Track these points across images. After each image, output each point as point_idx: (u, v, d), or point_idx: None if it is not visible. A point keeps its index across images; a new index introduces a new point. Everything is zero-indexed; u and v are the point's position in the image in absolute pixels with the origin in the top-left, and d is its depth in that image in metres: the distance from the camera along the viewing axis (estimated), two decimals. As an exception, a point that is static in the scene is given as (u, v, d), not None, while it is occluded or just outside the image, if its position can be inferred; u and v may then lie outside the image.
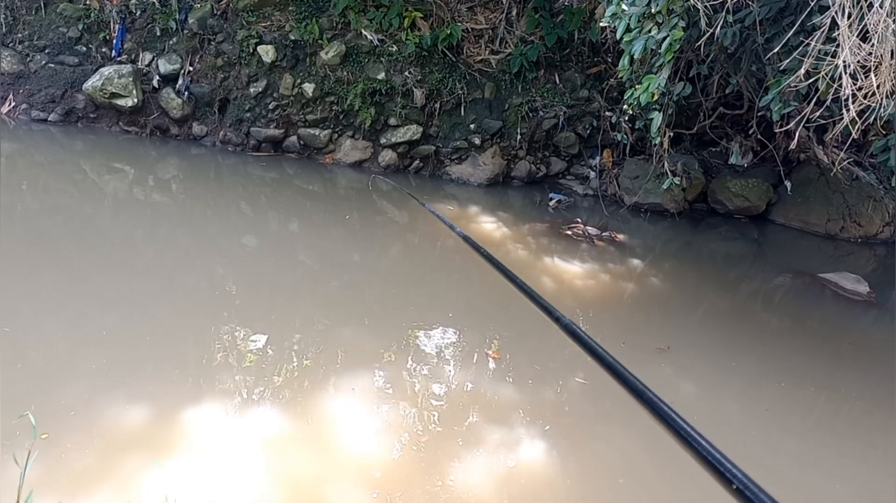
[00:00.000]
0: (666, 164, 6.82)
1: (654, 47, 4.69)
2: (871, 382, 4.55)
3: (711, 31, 4.57)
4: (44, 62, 8.89)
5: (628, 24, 4.71)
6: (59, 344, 3.77)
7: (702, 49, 5.11)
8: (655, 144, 6.51)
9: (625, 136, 7.45)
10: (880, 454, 3.70)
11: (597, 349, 1.37)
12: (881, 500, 3.31)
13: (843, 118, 3.98)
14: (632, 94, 5.42)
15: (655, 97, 5.26)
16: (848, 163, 7.17)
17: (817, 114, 4.25)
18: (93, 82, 8.57)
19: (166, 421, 3.17)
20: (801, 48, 4.02)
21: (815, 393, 4.37)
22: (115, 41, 8.79)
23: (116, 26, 8.77)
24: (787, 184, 7.86)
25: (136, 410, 3.22)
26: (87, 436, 2.98)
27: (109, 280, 4.73)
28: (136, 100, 8.58)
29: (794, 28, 4.15)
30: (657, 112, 5.47)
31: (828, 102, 4.09)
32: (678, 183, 6.71)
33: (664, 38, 4.62)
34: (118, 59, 8.81)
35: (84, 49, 8.90)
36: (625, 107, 6.16)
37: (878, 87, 3.51)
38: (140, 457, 2.87)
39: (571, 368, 4.13)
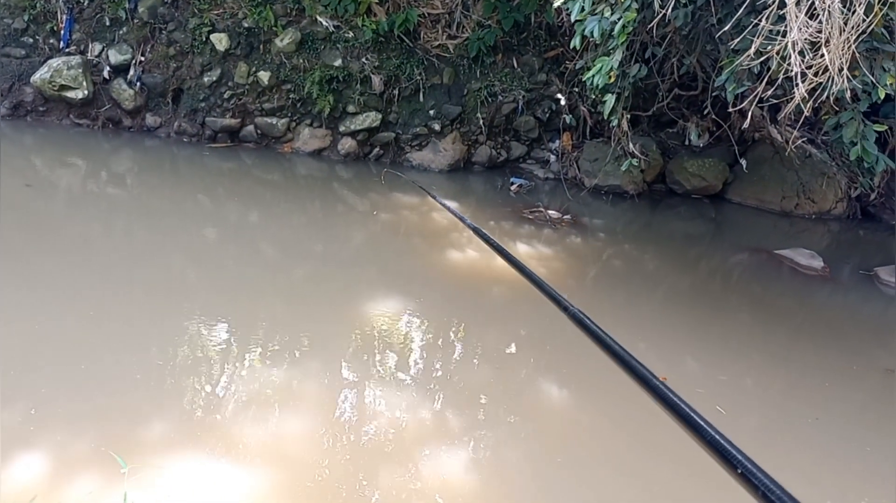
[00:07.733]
0: (627, 146, 6.85)
1: (608, 29, 4.70)
2: (828, 355, 4.66)
3: (664, 12, 4.59)
4: (-12, 55, 8.61)
5: (582, 6, 4.72)
6: (12, 345, 3.67)
7: (656, 31, 5.14)
8: (614, 126, 6.53)
9: (574, 119, 7.35)
10: (839, 425, 3.79)
11: (604, 337, 1.37)
12: (840, 472, 3.40)
13: (794, 97, 4.04)
14: (590, 77, 5.44)
15: (613, 79, 5.28)
16: (801, 141, 7.29)
17: (769, 93, 4.30)
18: (41, 74, 8.33)
19: (127, 421, 3.11)
20: (751, 28, 4.06)
21: (774, 367, 4.46)
22: (62, 32, 8.55)
23: (64, 17, 8.53)
24: (743, 162, 7.98)
25: (96, 411, 3.16)
26: (45, 438, 2.91)
27: (65, 278, 4.61)
28: (86, 92, 8.36)
29: (744, 7, 4.19)
30: (611, 95, 5.49)
31: (779, 81, 4.15)
32: (636, 164, 6.76)
33: (618, 21, 4.63)
34: (67, 50, 8.57)
35: (31, 41, 8.64)
36: (588, 92, 6.15)
37: (830, 63, 3.57)
38: (101, 460, 2.81)
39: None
